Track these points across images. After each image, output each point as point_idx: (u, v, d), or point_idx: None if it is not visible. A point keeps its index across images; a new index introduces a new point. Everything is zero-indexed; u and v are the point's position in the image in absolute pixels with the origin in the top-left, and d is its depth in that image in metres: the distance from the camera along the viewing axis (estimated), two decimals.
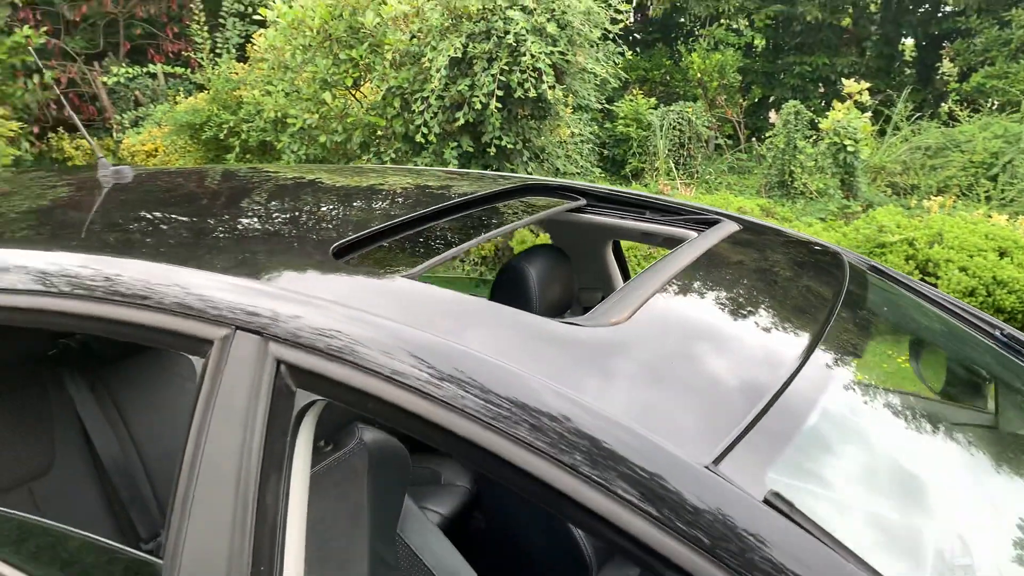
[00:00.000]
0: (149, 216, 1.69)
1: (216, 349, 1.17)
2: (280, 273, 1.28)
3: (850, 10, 11.71)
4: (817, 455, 1.15)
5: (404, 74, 5.61)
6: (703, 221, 1.94)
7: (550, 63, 5.35)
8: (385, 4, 5.55)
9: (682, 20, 11.98)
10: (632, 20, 11.99)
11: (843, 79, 8.71)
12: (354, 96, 6.14)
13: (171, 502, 1.16)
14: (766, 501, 0.93)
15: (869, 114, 8.50)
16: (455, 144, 5.73)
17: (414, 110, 5.59)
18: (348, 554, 1.58)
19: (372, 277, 1.30)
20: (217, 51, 8.57)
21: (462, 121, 5.50)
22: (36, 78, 8.98)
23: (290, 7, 5.77)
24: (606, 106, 8.92)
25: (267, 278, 1.25)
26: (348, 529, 1.57)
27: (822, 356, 1.26)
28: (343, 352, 1.10)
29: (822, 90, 11.36)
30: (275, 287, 1.22)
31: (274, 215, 1.75)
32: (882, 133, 9.40)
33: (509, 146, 5.76)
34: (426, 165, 5.72)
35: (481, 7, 5.33)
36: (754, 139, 10.26)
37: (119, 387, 2.10)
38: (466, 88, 5.40)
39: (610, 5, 6.06)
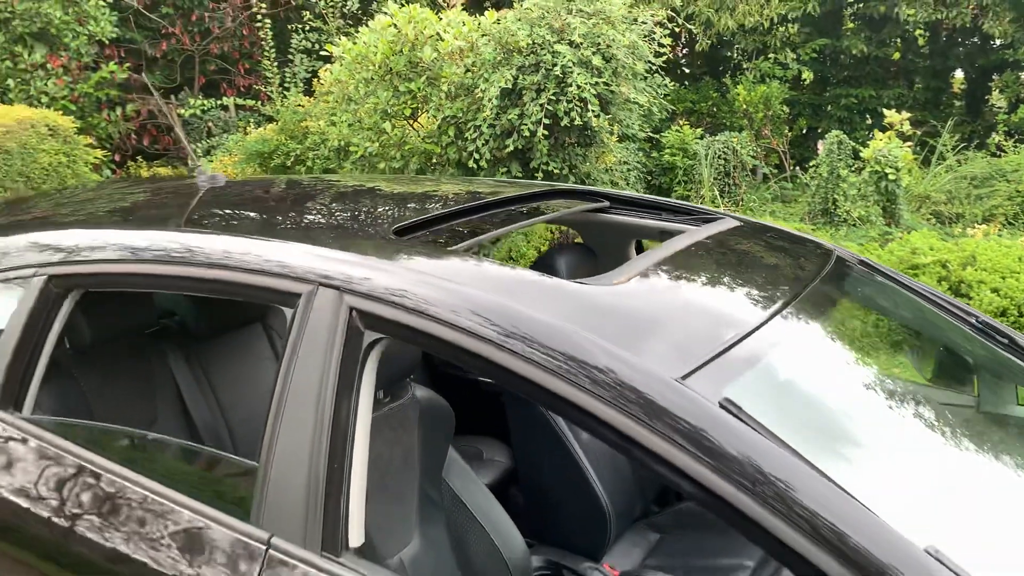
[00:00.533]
0: (249, 208, 2.06)
1: (303, 300, 1.51)
2: (353, 244, 1.63)
3: (898, 43, 11.85)
4: (765, 382, 1.43)
5: (458, 104, 6.01)
6: (710, 220, 2.23)
7: (595, 93, 5.69)
8: (442, 40, 5.98)
9: (729, 54, 12.25)
10: (681, 53, 12.30)
11: (886, 110, 8.85)
12: (412, 126, 6.56)
13: (266, 417, 1.49)
14: (720, 405, 1.22)
15: (911, 143, 8.62)
16: (505, 170, 6.10)
17: (467, 138, 5.98)
18: (401, 489, 1.90)
19: (425, 249, 1.63)
20: (285, 85, 9.14)
21: (511, 148, 5.87)
22: (118, 110, 9.69)
23: (354, 44, 6.24)
24: (652, 136, 9.22)
25: (343, 247, 1.59)
26: (402, 467, 1.89)
27: (785, 318, 1.55)
28: (399, 302, 1.43)
29: (869, 121, 11.47)
30: (349, 254, 1.56)
31: (347, 207, 2.11)
32: (927, 163, 9.49)
33: (556, 172, 6.10)
34: None
35: (531, 42, 5.71)
36: (798, 168, 10.44)
37: (210, 360, 2.47)
38: (516, 117, 5.76)
39: (654, 39, 6.39)
